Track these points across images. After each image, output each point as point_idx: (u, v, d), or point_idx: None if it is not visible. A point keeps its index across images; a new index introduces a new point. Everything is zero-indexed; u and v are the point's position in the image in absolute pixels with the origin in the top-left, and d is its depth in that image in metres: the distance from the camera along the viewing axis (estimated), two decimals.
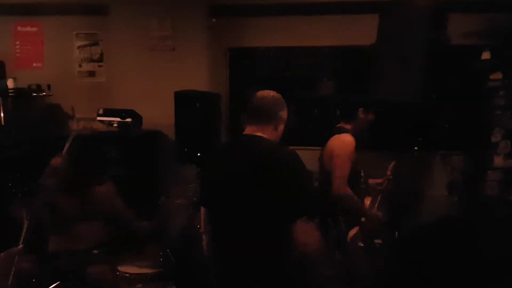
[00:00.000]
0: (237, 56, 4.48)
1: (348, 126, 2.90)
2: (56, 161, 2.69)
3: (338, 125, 2.95)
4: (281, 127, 2.03)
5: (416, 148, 3.10)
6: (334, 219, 2.79)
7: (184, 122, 4.01)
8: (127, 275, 2.50)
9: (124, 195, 2.90)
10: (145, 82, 4.57)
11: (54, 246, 2.67)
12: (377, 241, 3.04)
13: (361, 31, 3.91)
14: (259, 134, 1.95)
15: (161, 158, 4.39)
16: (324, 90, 4.39)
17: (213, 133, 4.04)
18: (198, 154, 3.90)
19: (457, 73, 3.75)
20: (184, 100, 4.01)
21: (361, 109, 2.90)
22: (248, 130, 1.99)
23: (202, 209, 2.13)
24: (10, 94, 4.32)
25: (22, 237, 1.40)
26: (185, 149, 3.98)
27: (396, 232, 3.15)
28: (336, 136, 2.86)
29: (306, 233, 1.76)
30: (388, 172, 3.10)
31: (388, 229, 3.03)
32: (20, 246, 1.40)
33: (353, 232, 2.84)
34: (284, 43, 4.34)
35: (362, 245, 2.81)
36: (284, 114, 2.02)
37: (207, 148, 3.89)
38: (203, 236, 2.10)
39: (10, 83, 4.39)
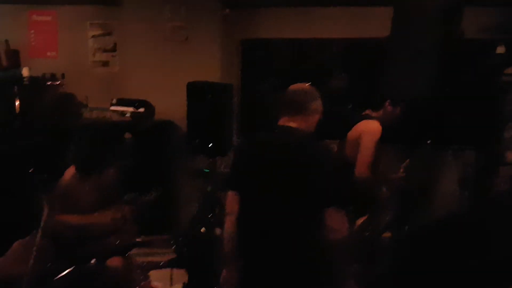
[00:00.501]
0: (250, 48, 4.49)
1: (374, 115, 2.93)
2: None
3: (364, 113, 2.98)
4: (314, 118, 2.10)
5: (429, 141, 3.11)
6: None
7: (196, 113, 4.03)
8: (140, 262, 2.54)
9: (133, 184, 2.93)
10: (158, 72, 4.59)
11: (69, 232, 2.72)
12: (386, 234, 3.05)
13: (375, 23, 3.90)
14: (292, 125, 2.05)
15: (172, 148, 4.43)
16: (338, 83, 4.38)
17: (225, 125, 4.06)
18: (210, 145, 3.93)
19: (471, 67, 3.72)
20: (196, 91, 4.02)
21: (388, 101, 2.92)
22: (282, 121, 2.09)
23: (230, 192, 2.18)
24: (24, 82, 4.38)
25: (42, 223, 1.43)
26: (197, 140, 4.00)
27: (406, 227, 3.16)
28: (365, 121, 2.92)
29: (336, 220, 1.85)
30: (401, 170, 3.10)
31: (399, 223, 3.04)
32: (40, 232, 1.44)
33: (361, 220, 2.87)
34: (298, 35, 4.33)
35: (367, 234, 2.84)
36: (316, 105, 2.10)
37: (218, 140, 3.92)
38: (227, 218, 2.16)
39: (25, 72, 4.44)
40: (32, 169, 1.45)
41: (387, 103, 2.95)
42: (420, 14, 3.42)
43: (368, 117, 2.95)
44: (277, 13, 4.34)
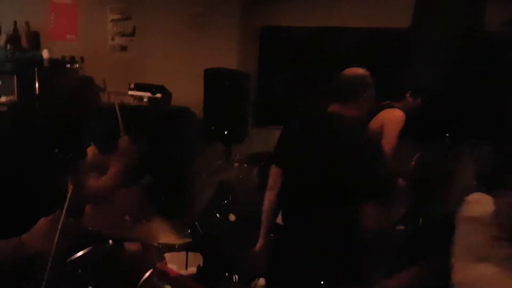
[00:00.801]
0: (268, 35, 4.46)
1: (396, 105, 2.92)
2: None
3: (385, 102, 2.96)
4: (366, 106, 2.06)
5: (447, 135, 3.08)
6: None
7: (212, 100, 4.05)
8: (156, 244, 2.57)
9: (150, 169, 2.97)
10: (176, 58, 4.61)
11: (90, 212, 2.76)
12: (400, 227, 3.04)
13: (397, 13, 3.85)
14: (343, 112, 2.00)
15: (188, 135, 4.46)
16: None
17: (241, 112, 4.07)
18: (225, 132, 3.95)
19: (492, 61, 3.66)
20: (214, 78, 4.04)
21: (409, 92, 2.90)
22: (332, 107, 2.05)
23: (274, 168, 2.18)
24: (44, 64, 4.43)
25: (66, 202, 1.45)
26: (213, 127, 4.02)
27: (420, 219, 3.15)
28: (388, 109, 2.89)
29: (374, 216, 1.84)
30: (413, 163, 3.09)
31: (413, 216, 3.03)
32: (64, 210, 1.46)
33: None
34: (317, 23, 4.29)
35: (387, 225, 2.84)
36: (369, 93, 2.05)
37: (234, 127, 3.93)
38: (268, 192, 2.17)
39: (45, 54, 4.49)
40: (56, 150, 1.46)
41: (408, 94, 2.92)
42: (442, 6, 3.37)
43: (389, 106, 2.93)
44: (296, 1, 4.31)
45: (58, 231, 1.34)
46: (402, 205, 2.93)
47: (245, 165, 3.71)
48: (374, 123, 2.94)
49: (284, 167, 2.12)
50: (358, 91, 2.02)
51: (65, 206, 1.41)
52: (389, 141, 2.78)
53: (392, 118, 2.85)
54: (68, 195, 1.46)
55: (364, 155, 1.88)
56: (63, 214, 1.38)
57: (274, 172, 2.16)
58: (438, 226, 3.07)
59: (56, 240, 1.33)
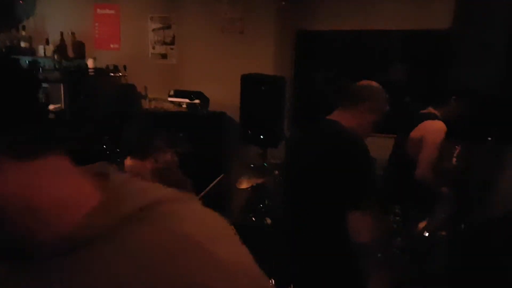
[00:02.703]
0: (305, 40, 4.47)
1: (437, 112, 2.85)
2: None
3: (425, 111, 2.90)
4: (368, 118, 2.01)
5: (490, 138, 2.97)
6: (401, 205, 2.77)
7: (249, 104, 4.09)
8: None
9: (188, 172, 3.05)
10: (214, 64, 4.71)
11: None
12: (442, 232, 2.97)
13: (436, 15, 3.76)
14: (337, 119, 1.99)
15: (225, 139, 4.53)
16: (396, 76, 4.27)
17: (277, 117, 4.09)
18: (261, 137, 3.98)
19: None
20: (250, 83, 4.08)
21: (454, 97, 2.83)
22: (332, 115, 2.05)
23: None
24: (90, 73, 4.63)
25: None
26: (249, 131, 4.07)
27: (463, 225, 3.06)
28: (429, 121, 2.82)
29: (361, 225, 1.78)
30: (454, 159, 3.00)
31: (454, 221, 2.95)
32: None
33: (423, 224, 2.80)
34: (354, 27, 4.26)
35: (427, 234, 2.77)
36: (372, 105, 2.01)
37: (270, 131, 3.96)
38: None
39: (90, 63, 4.70)
40: (104, 145, 1.60)
41: (452, 100, 2.83)
42: (486, 6, 3.27)
43: (431, 115, 2.85)
44: (333, 4, 4.29)
45: None
46: (443, 211, 2.86)
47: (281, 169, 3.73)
48: (415, 134, 2.87)
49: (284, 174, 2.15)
50: (359, 99, 2.01)
51: None
52: (428, 155, 2.72)
53: (433, 131, 2.77)
54: None
55: (350, 166, 1.82)
56: None
57: None
58: (480, 231, 2.98)
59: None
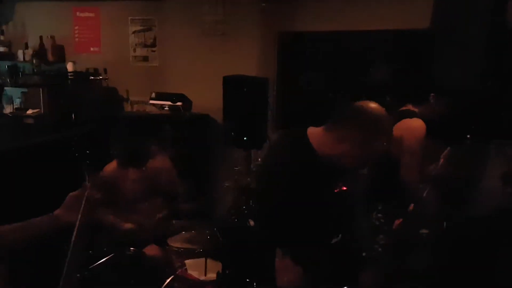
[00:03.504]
0: (287, 41, 4.47)
1: (416, 110, 2.79)
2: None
3: (404, 108, 2.83)
4: (349, 146, 1.66)
5: (468, 136, 2.99)
6: (385, 204, 2.76)
7: (232, 106, 4.07)
8: (176, 249, 2.61)
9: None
10: (196, 66, 4.68)
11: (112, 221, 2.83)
12: (424, 230, 2.98)
13: (416, 14, 3.79)
14: (310, 133, 1.73)
15: (208, 141, 4.51)
16: (377, 76, 4.29)
17: (260, 118, 4.08)
18: (245, 138, 3.96)
19: None
20: (232, 85, 4.06)
21: (433, 94, 2.78)
22: (311, 128, 1.80)
23: None
24: (69, 77, 4.56)
25: (88, 178, 1.59)
26: (232, 133, 4.04)
27: (444, 223, 3.08)
28: (407, 120, 2.74)
29: (284, 270, 1.65)
30: (442, 159, 2.99)
31: (437, 219, 2.97)
32: (88, 184, 1.60)
33: (399, 220, 2.80)
34: (335, 28, 4.27)
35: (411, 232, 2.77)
36: (359, 131, 1.65)
37: (253, 133, 3.94)
38: None
39: (69, 66, 4.63)
40: (77, 154, 1.59)
41: (431, 97, 2.78)
42: (465, 5, 3.31)
43: (410, 113, 2.79)
44: (314, 6, 4.30)
45: (83, 202, 1.56)
46: (426, 209, 2.87)
47: None
48: (394, 133, 2.85)
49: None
50: (348, 121, 1.67)
51: (88, 182, 1.59)
52: (411, 157, 2.64)
53: (411, 129, 2.69)
54: (85, 196, 1.60)
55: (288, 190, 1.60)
56: (86, 192, 1.56)
57: None
58: (462, 229, 3.00)
59: (81, 211, 1.54)
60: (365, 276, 2.83)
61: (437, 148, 3.09)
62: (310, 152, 1.65)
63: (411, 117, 2.77)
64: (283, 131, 1.94)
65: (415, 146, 2.66)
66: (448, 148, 3.01)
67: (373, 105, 1.70)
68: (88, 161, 1.58)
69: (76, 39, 4.99)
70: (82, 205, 1.54)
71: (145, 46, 4.87)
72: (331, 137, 1.67)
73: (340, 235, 1.97)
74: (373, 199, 2.79)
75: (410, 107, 2.85)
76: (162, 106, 4.44)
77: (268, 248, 1.66)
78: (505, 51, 3.33)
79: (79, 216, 1.52)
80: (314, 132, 1.72)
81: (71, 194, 1.60)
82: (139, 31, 4.86)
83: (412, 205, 2.79)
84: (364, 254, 2.92)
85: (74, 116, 4.36)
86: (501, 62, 3.33)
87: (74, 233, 1.51)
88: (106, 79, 4.76)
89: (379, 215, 2.74)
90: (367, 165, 1.82)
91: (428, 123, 2.77)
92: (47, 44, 4.75)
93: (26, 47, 4.71)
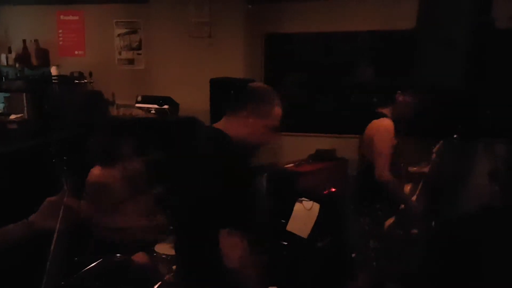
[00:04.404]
0: (273, 42, 4.46)
1: (385, 111, 2.80)
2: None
3: (376, 110, 2.85)
4: (254, 124, 1.75)
5: (455, 135, 2.99)
6: (370, 207, 2.76)
7: (218, 109, 4.05)
8: (164, 256, 2.57)
9: (161, 179, 2.98)
10: (182, 69, 4.64)
11: (99, 222, 2.79)
12: (413, 231, 2.98)
13: (401, 14, 3.80)
14: (221, 127, 1.79)
15: (195, 144, 4.47)
16: (363, 76, 4.30)
17: None
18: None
19: (503, 58, 3.59)
20: (219, 87, 4.04)
21: (399, 92, 2.78)
22: (218, 123, 1.85)
23: None
24: (54, 81, 4.50)
25: (67, 185, 1.54)
26: None
27: (433, 222, 3.08)
28: (374, 121, 2.77)
29: (231, 247, 1.59)
30: (434, 155, 2.98)
31: (425, 219, 2.96)
32: (67, 190, 1.54)
33: (390, 221, 2.79)
34: (321, 29, 4.27)
35: (401, 233, 2.75)
36: (257, 107, 1.76)
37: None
38: None
39: (53, 70, 4.56)
40: (54, 160, 1.53)
41: (397, 95, 2.76)
42: (449, 3, 3.32)
43: (379, 114, 2.78)
44: (300, 7, 4.30)
45: (62, 209, 1.49)
46: (415, 210, 2.84)
47: None
48: (364, 138, 2.81)
49: None
50: (246, 102, 1.76)
51: (66, 188, 1.53)
52: (379, 152, 2.64)
53: (378, 129, 2.70)
54: (64, 202, 1.55)
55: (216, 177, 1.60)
56: (65, 197, 1.50)
57: None
58: (451, 227, 3.01)
59: (60, 217, 1.47)
60: (358, 279, 2.82)
61: (422, 148, 3.08)
62: (227, 140, 1.73)
63: (378, 118, 2.76)
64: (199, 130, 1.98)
65: (383, 145, 2.65)
66: (441, 141, 2.99)
67: (256, 84, 1.92)
68: (65, 167, 1.52)
69: (60, 43, 4.93)
70: (61, 212, 1.48)
71: (131, 49, 4.82)
72: (238, 123, 1.77)
73: (328, 238, 1.96)
74: (361, 201, 2.78)
75: (380, 109, 2.82)
76: (148, 109, 4.40)
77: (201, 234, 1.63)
78: (491, 50, 3.35)
79: (58, 224, 1.46)
80: (223, 126, 1.80)
81: (48, 199, 1.53)
82: (124, 34, 4.81)
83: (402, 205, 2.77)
84: (353, 255, 2.92)
85: (58, 120, 4.30)
86: (486, 61, 3.35)
87: (53, 240, 1.45)
88: (91, 82, 4.71)
89: (366, 219, 2.72)
90: (271, 139, 1.83)
91: (398, 122, 2.75)
92: (31, 48, 4.68)
93: (10, 51, 4.64)
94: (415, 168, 3.03)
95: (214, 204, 1.57)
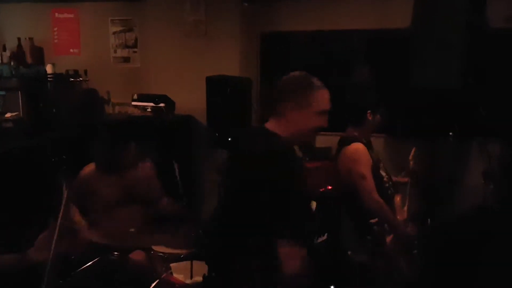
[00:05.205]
0: (269, 41, 4.47)
1: (356, 133, 2.69)
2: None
3: (344, 134, 2.73)
4: (294, 116, 1.71)
5: (451, 134, 3.01)
6: (368, 225, 2.71)
7: (215, 107, 4.05)
8: (161, 254, 2.57)
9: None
10: (178, 67, 4.63)
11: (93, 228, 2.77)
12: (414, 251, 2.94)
13: (397, 13, 3.82)
14: (268, 125, 1.73)
15: (193, 142, 4.47)
16: (359, 75, 4.31)
17: (244, 118, 4.07)
18: (229, 139, 3.94)
19: (497, 57, 3.62)
20: (215, 85, 4.04)
21: (369, 111, 2.66)
22: (269, 123, 1.79)
23: None
24: (49, 79, 4.48)
25: (62, 208, 1.54)
26: (216, 134, 4.02)
27: (429, 219, 3.10)
28: (347, 148, 2.65)
29: (291, 258, 1.57)
30: (411, 163, 2.96)
31: (421, 219, 2.95)
32: (60, 218, 1.55)
33: (390, 238, 2.74)
34: (317, 27, 4.29)
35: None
36: (297, 99, 1.70)
37: (238, 133, 3.93)
38: None
39: (49, 69, 4.54)
40: (53, 159, 1.54)
41: (368, 115, 2.66)
42: (442, 3, 3.34)
43: (350, 139, 2.67)
44: (296, 6, 4.31)
45: (54, 239, 1.52)
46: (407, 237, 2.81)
47: None
48: (341, 164, 2.69)
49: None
50: (278, 98, 1.72)
51: (60, 215, 1.54)
52: (361, 180, 2.53)
53: (354, 157, 2.60)
54: (63, 200, 1.56)
55: (272, 182, 1.56)
56: (57, 227, 1.51)
57: None
58: (447, 226, 3.02)
59: (53, 246, 1.51)
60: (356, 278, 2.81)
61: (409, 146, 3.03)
62: (279, 141, 1.69)
63: (348, 144, 2.66)
64: (244, 129, 1.96)
65: (363, 171, 2.56)
66: (414, 149, 2.97)
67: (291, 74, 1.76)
68: (65, 166, 1.53)
69: (55, 41, 4.91)
70: (53, 245, 1.50)
71: (126, 47, 4.81)
72: (283, 123, 1.72)
73: (325, 235, 1.96)
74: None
75: (349, 130, 2.72)
76: (144, 108, 4.39)
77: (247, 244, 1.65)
78: (485, 50, 3.38)
79: (51, 254, 1.48)
80: (270, 126, 1.75)
81: (41, 235, 1.57)
82: (119, 32, 4.80)
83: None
84: (349, 253, 2.93)
85: (54, 119, 4.28)
86: (481, 61, 3.38)
87: (47, 268, 1.48)
88: (87, 81, 4.69)
89: (368, 237, 2.66)
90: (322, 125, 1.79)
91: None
92: (25, 46, 4.65)
93: (4, 49, 4.61)
94: (397, 178, 2.99)
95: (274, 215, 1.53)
